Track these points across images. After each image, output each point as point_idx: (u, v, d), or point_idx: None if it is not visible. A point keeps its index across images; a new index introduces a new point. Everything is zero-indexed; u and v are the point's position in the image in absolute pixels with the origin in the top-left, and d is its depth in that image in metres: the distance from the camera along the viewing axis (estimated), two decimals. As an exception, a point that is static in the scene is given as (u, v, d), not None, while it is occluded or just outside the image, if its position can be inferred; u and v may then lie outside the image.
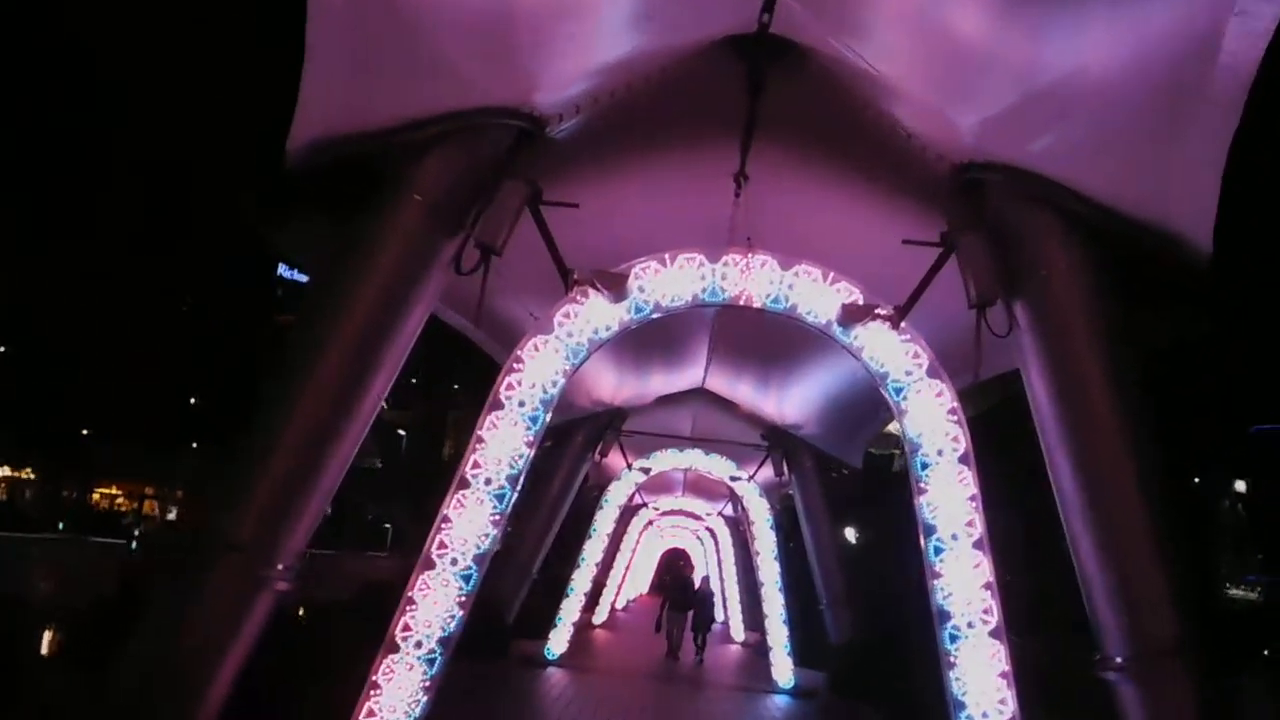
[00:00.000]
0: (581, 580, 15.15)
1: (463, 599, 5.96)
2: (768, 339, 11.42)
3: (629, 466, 15.28)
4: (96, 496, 44.26)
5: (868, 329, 5.74)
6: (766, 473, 15.09)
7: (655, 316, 6.16)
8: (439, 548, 5.95)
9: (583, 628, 18.72)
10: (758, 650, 20.71)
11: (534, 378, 6.09)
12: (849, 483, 19.83)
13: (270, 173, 5.62)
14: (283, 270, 54.70)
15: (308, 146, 5.56)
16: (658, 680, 14.77)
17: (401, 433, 46.78)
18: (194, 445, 48.90)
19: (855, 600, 14.36)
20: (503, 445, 6.06)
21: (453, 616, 5.94)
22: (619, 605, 28.33)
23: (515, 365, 6.07)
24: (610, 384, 13.96)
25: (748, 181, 6.54)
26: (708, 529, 30.84)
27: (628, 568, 26.92)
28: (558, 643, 14.91)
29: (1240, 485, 41.49)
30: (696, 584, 18.23)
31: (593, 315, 6.00)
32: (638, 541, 26.58)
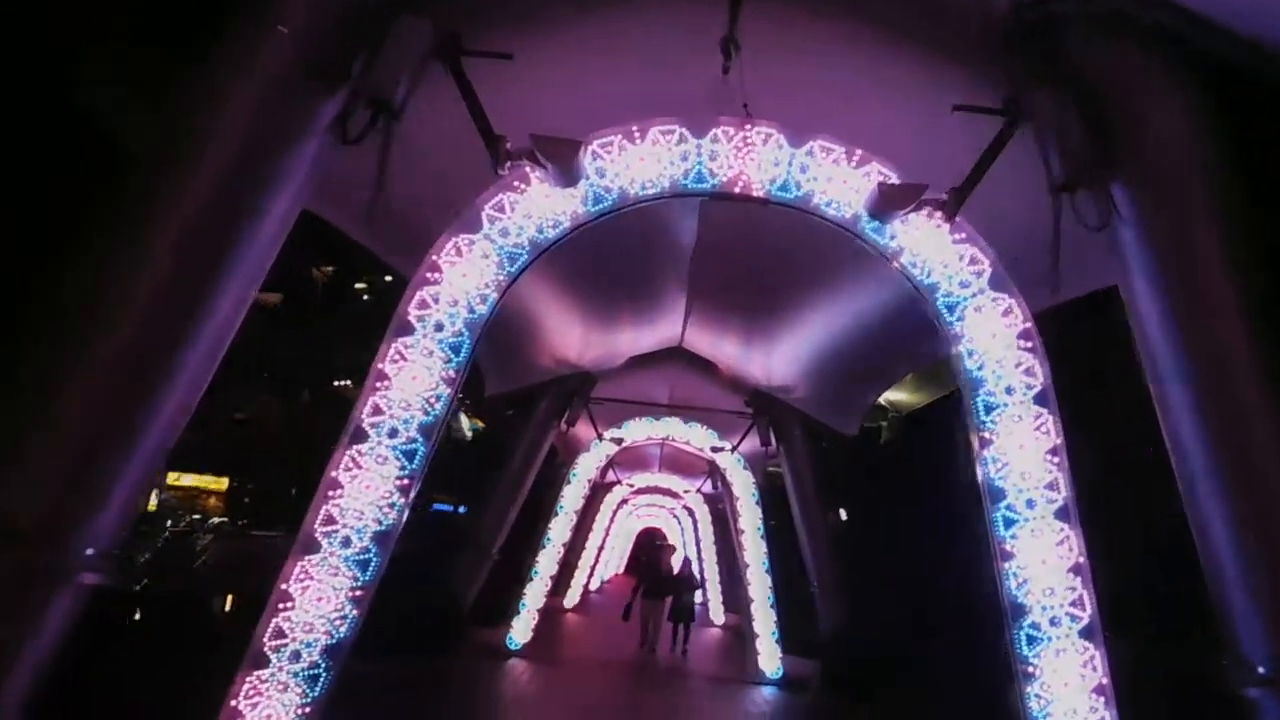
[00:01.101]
0: (547, 562, 13.54)
1: (358, 592, 4.32)
2: (755, 280, 9.82)
3: (599, 437, 13.65)
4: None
5: (911, 224, 4.22)
6: (751, 443, 13.52)
7: (621, 210, 4.51)
8: (325, 524, 4.31)
9: (551, 613, 17.13)
10: (738, 634, 19.30)
11: (456, 292, 4.44)
12: (838, 455, 18.27)
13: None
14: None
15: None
16: (632, 671, 13.24)
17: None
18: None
19: (848, 584, 12.87)
20: (413, 384, 4.42)
21: (344, 618, 4.30)
22: (592, 587, 26.78)
23: (430, 276, 4.41)
24: (576, 342, 12.30)
25: (739, 52, 4.92)
26: (685, 507, 29.37)
27: (600, 548, 25.34)
28: (521, 631, 13.32)
29: None
30: (677, 568, 16.10)
31: (535, 205, 4.36)
32: (611, 521, 25.02)
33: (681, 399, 13.87)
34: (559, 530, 13.64)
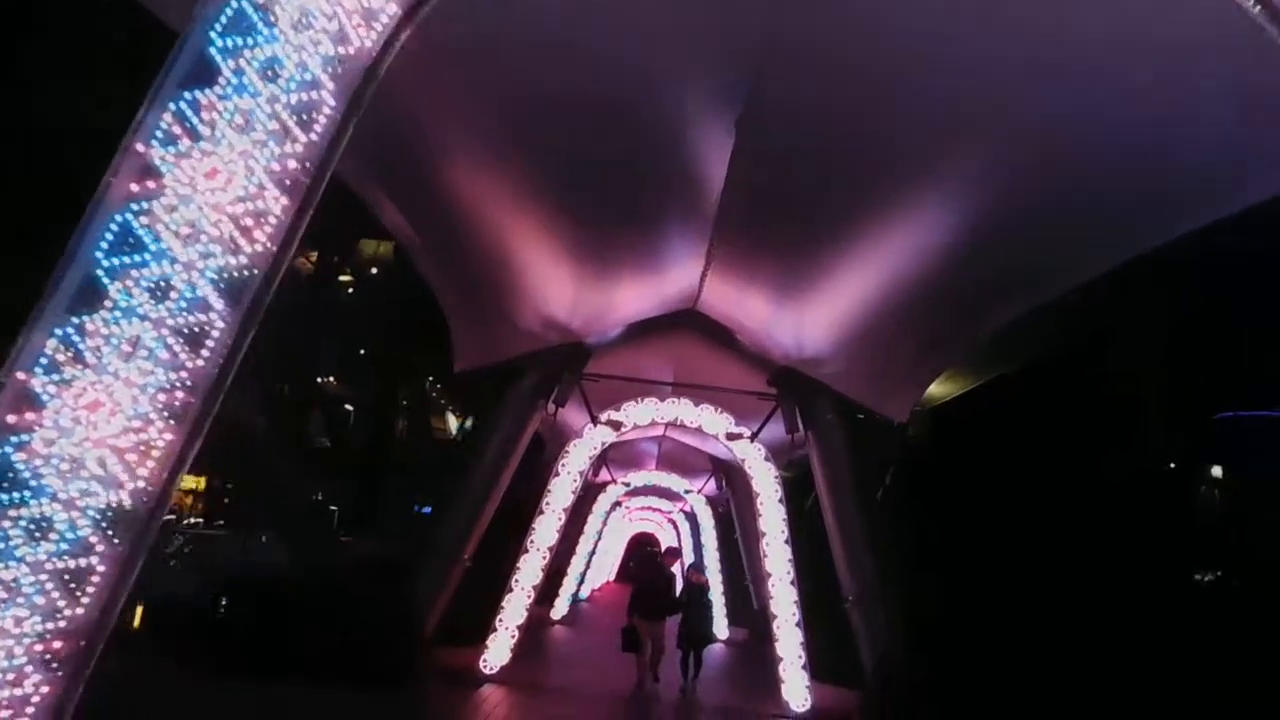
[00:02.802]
0: (531, 570, 11.10)
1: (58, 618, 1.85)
2: (796, 213, 7.46)
3: (594, 421, 11.24)
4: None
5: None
6: (774, 430, 11.16)
7: None
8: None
9: (536, 626, 14.70)
10: (746, 651, 16.84)
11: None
12: (877, 444, 15.71)
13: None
14: None
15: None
16: (632, 703, 10.80)
17: (349, 408, 42.37)
18: None
19: (892, 596, 10.44)
20: (210, 188, 1.98)
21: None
22: (581, 595, 24.28)
23: None
24: (567, 301, 9.93)
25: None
26: (684, 511, 26.91)
27: (592, 554, 22.87)
28: (497, 652, 10.89)
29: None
30: (679, 579, 13.03)
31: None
32: (604, 524, 22.57)
33: (692, 376, 11.49)
34: (545, 532, 11.20)
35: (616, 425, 11.19)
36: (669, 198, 7.88)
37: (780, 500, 11.00)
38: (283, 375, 36.78)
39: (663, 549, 13.82)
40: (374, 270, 42.84)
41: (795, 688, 10.45)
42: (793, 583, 10.82)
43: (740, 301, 9.83)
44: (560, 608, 19.37)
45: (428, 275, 9.14)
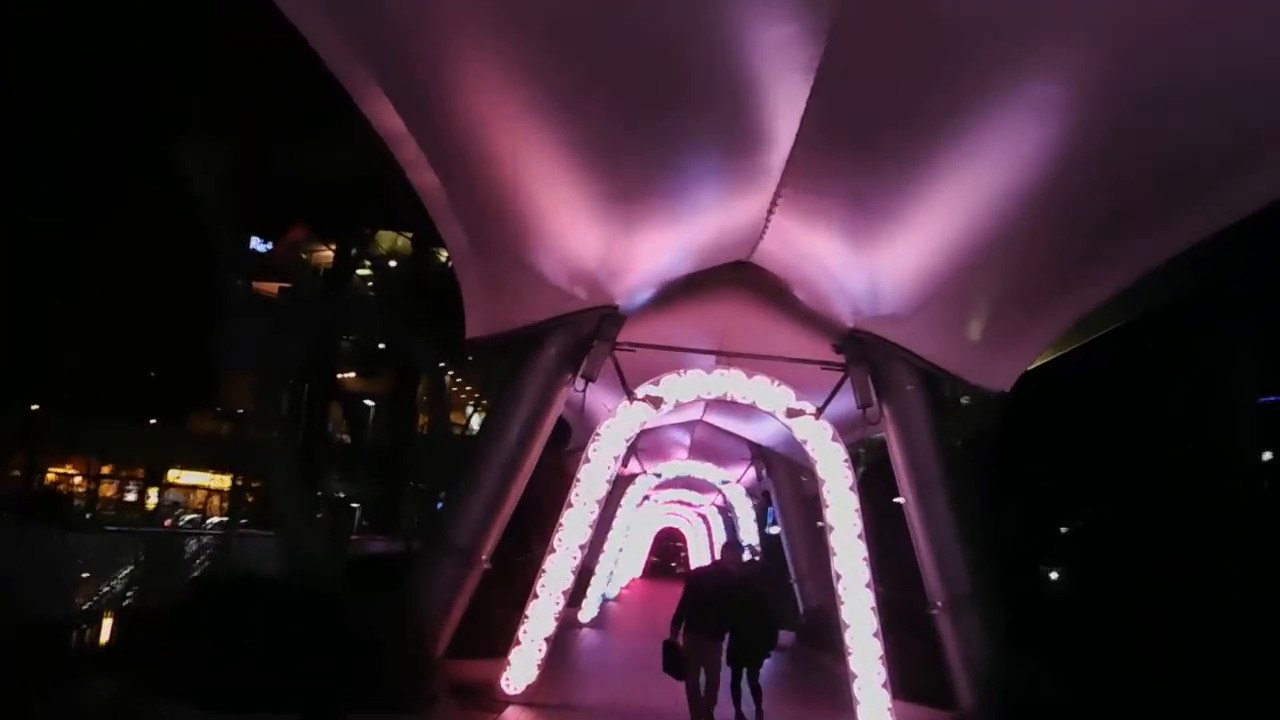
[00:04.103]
0: (558, 572, 9.37)
1: None
2: (885, 138, 5.68)
3: (629, 397, 9.46)
4: (52, 476, 38.78)
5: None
6: (841, 405, 9.35)
7: None
8: None
9: (564, 629, 12.97)
10: (799, 661, 14.94)
11: None
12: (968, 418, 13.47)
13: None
14: (255, 243, 50.01)
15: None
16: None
17: (369, 404, 40.98)
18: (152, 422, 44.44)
19: (994, 600, 8.58)
20: None
21: None
22: (609, 595, 22.51)
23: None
24: (597, 254, 8.16)
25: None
26: (716, 505, 25.09)
27: (620, 550, 21.09)
28: (522, 669, 9.17)
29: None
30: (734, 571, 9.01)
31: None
32: (630, 519, 20.79)
33: (742, 344, 9.69)
34: (575, 529, 9.44)
35: (656, 402, 9.40)
36: (731, 122, 6.10)
37: (852, 488, 9.18)
38: (302, 371, 35.35)
39: (728, 543, 10.31)
40: (392, 263, 41.32)
41: (875, 710, 8.64)
42: (868, 585, 9.00)
43: (808, 248, 8.01)
44: (589, 609, 17.63)
45: (435, 215, 7.39)
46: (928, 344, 8.65)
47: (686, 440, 18.21)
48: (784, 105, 5.62)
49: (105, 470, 42.42)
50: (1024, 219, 6.50)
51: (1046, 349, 9.18)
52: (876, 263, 7.95)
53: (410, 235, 37.08)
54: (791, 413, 9.28)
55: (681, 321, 9.86)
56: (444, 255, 30.45)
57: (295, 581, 7.68)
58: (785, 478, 16.82)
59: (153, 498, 42.71)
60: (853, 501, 9.17)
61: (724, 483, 18.42)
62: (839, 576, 9.07)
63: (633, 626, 19.08)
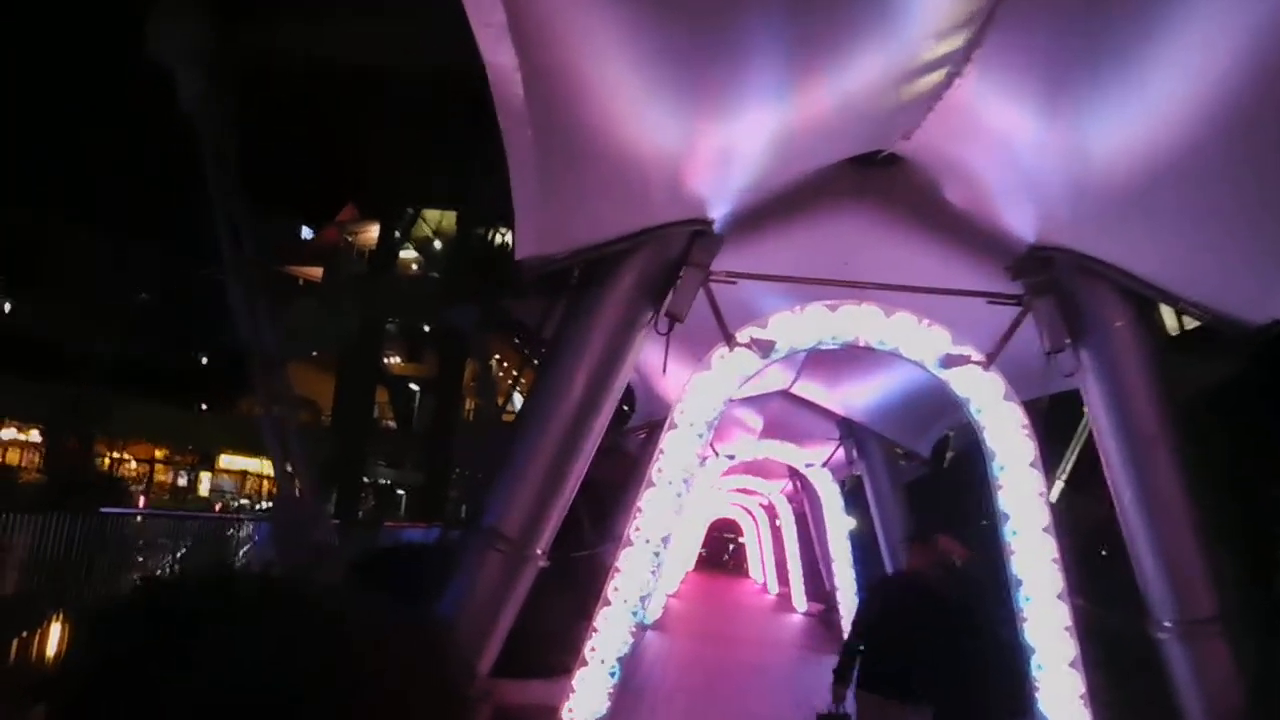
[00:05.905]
0: (636, 572, 6.99)
1: None
2: None
3: (729, 341, 7.00)
4: (107, 461, 38.07)
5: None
6: (1021, 347, 6.74)
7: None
8: None
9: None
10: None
11: None
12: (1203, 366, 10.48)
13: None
14: (304, 232, 48.93)
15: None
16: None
17: (415, 388, 39.26)
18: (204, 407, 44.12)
19: (1250, 619, 6.02)
20: None
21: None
22: (669, 590, 20.12)
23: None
24: (689, 139, 5.69)
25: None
26: (787, 494, 22.49)
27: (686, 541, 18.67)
28: (589, 698, 6.80)
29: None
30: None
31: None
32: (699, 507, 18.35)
33: (872, 272, 7.15)
34: (656, 516, 7.03)
35: (765, 347, 6.92)
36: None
37: (1034, 464, 6.60)
38: (346, 354, 33.58)
39: (934, 538, 6.19)
40: (437, 244, 39.49)
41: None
42: (1060, 596, 6.44)
43: (991, 126, 5.43)
44: (654, 609, 15.28)
45: (502, 107, 4.82)
46: (1154, 258, 6.04)
47: (758, 417, 15.72)
48: None
49: (159, 455, 42.12)
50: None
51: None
52: (1086, 137, 5.33)
53: (455, 213, 35.10)
54: (951, 360, 6.72)
55: (793, 245, 7.38)
56: (487, 232, 28.45)
57: (269, 582, 5.39)
58: (881, 461, 14.23)
59: (205, 483, 41.95)
60: (1036, 483, 6.60)
61: (808, 465, 15.83)
62: (1018, 584, 6.51)
63: (701, 628, 16.74)
